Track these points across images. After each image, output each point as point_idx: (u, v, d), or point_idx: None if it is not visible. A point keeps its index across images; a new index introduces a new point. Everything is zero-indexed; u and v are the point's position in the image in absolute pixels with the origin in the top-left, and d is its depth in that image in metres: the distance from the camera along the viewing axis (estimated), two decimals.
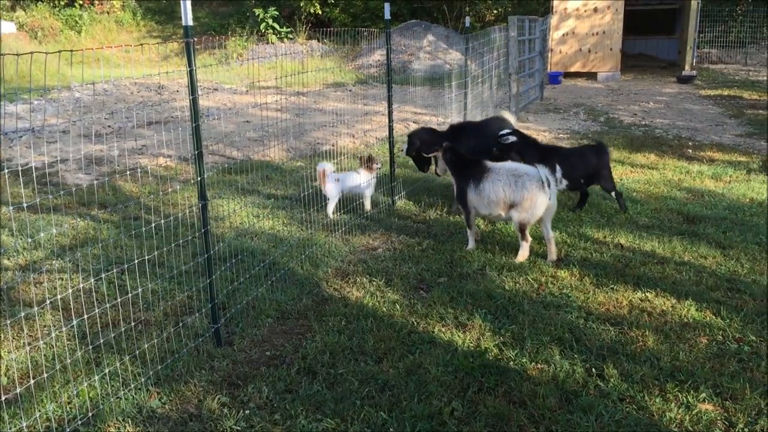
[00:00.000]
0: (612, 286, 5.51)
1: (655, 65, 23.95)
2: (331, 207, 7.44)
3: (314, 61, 22.76)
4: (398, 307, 5.21)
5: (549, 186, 5.89)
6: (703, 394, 3.97)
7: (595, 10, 20.20)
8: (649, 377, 4.17)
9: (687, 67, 20.95)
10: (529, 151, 7.24)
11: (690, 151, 10.67)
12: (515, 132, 7.41)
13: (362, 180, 7.53)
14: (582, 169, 7.24)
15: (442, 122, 12.37)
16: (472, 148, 7.10)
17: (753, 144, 11.33)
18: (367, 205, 7.66)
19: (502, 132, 7.38)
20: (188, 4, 4.08)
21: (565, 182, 7.21)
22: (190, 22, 4.12)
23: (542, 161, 7.17)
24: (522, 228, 6.00)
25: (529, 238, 6.08)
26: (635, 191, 8.19)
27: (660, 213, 7.37)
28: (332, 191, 7.41)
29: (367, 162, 7.56)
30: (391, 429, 3.74)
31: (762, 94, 17.17)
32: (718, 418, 3.78)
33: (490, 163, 6.24)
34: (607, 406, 3.87)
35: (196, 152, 4.41)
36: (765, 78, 20.31)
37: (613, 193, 7.40)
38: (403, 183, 8.45)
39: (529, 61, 15.34)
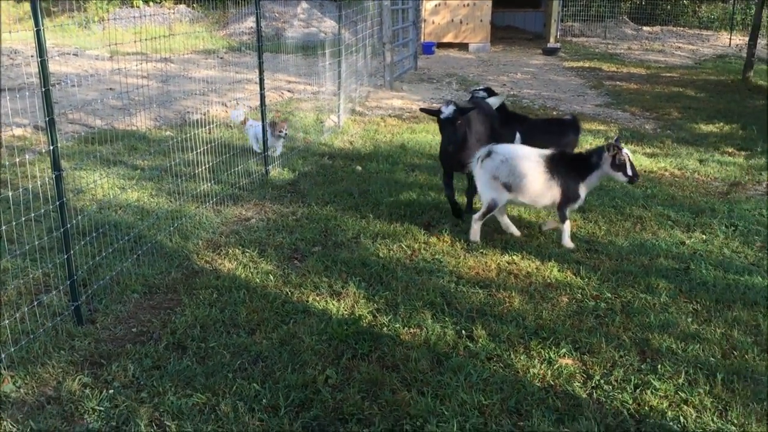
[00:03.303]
0: (481, 250, 5.68)
1: (522, 37, 24.75)
2: (255, 146, 8.66)
3: (183, 26, 21.80)
4: (272, 277, 5.14)
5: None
6: (564, 350, 4.19)
7: None
8: (514, 336, 4.35)
9: (552, 40, 21.81)
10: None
11: None
12: (487, 90, 7.51)
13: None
14: (544, 140, 7.25)
15: (317, 91, 12.26)
16: None
17: (611, 113, 12.01)
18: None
19: (475, 88, 7.73)
20: None
21: None
22: None
23: (503, 127, 7.27)
24: None
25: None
26: None
27: None
28: (252, 135, 8.73)
29: (272, 126, 8.36)
30: (263, 400, 3.69)
31: (620, 66, 18.20)
32: (577, 371, 4.01)
33: None
34: (475, 366, 4.01)
35: (47, 119, 4.10)
36: (622, 51, 21.53)
37: None
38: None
39: (402, 30, 15.44)
